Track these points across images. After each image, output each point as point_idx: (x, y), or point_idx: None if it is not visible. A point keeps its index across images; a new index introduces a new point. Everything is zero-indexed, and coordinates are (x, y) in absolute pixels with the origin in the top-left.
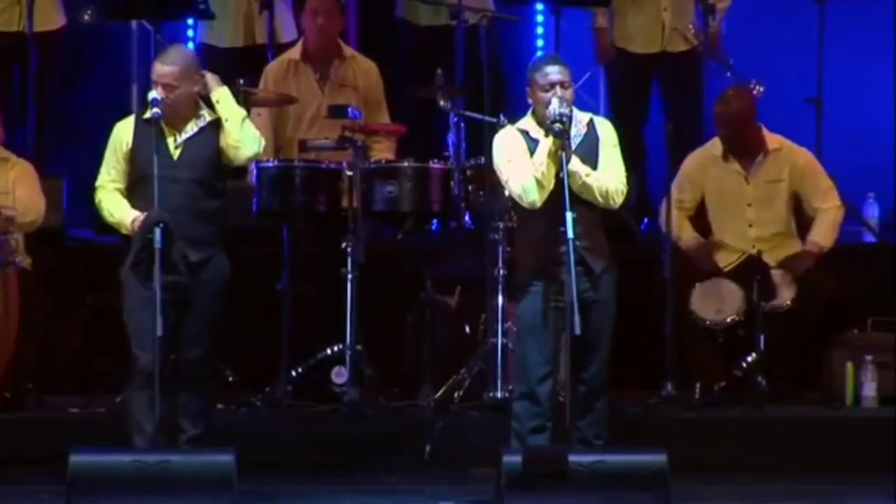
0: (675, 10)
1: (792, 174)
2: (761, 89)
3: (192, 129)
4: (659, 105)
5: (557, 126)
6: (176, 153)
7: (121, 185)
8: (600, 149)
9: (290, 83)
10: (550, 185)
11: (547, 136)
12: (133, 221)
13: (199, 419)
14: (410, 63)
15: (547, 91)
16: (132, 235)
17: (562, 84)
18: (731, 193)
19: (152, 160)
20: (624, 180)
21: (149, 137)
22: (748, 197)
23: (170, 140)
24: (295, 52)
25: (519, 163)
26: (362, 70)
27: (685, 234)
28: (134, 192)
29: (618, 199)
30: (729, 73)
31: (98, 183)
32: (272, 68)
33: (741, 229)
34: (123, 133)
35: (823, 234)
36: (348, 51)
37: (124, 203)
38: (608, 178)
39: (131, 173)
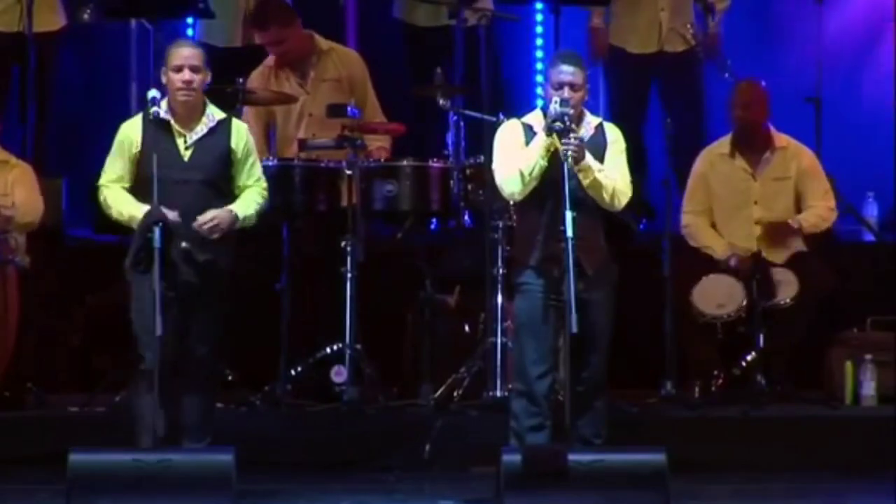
0: (672, 10)
1: (797, 172)
2: None
3: (201, 129)
4: (658, 105)
5: (558, 125)
6: (186, 154)
7: (126, 185)
8: (608, 152)
9: (272, 87)
10: (534, 180)
11: (549, 135)
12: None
13: (203, 423)
14: (410, 63)
15: (556, 90)
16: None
17: (571, 85)
18: (737, 191)
19: (171, 161)
20: (629, 184)
21: (158, 138)
22: (754, 194)
23: (179, 141)
24: (270, 59)
25: (510, 154)
26: (343, 61)
27: (718, 247)
28: (141, 192)
29: (622, 201)
30: (727, 74)
31: (101, 182)
32: (255, 77)
33: (746, 227)
34: (132, 133)
35: (807, 216)
36: (325, 44)
37: (132, 199)
38: (616, 179)
39: (139, 174)
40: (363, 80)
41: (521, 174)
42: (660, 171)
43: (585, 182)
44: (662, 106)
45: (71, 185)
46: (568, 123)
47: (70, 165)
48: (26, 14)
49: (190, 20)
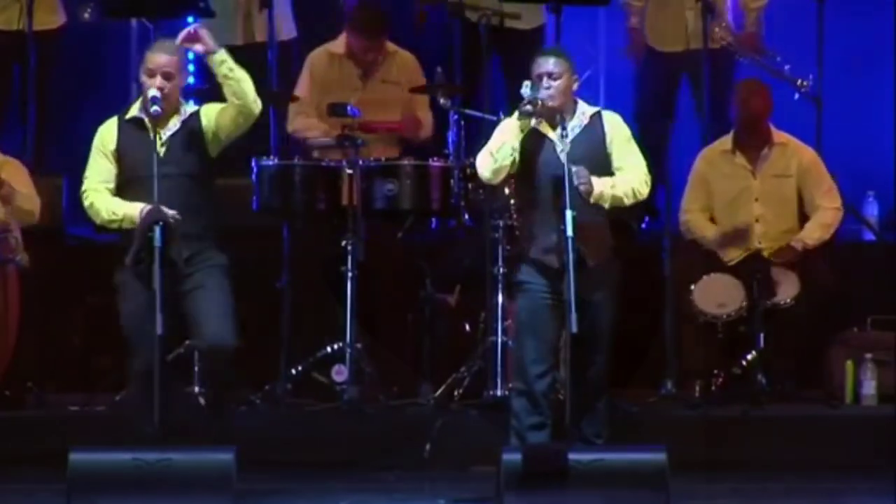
0: (701, 9)
1: (798, 170)
2: (807, 84)
3: (174, 124)
4: (688, 104)
5: (528, 108)
6: (162, 150)
7: (111, 186)
8: (613, 146)
9: (333, 74)
10: (504, 161)
11: (521, 118)
12: (142, 211)
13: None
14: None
15: (537, 82)
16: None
17: (549, 75)
18: (738, 188)
19: (151, 158)
20: (646, 170)
21: (135, 138)
22: (755, 192)
23: (155, 138)
24: (339, 47)
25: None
26: (403, 64)
27: (709, 234)
28: (123, 193)
29: (644, 191)
30: (768, 71)
31: (85, 186)
32: (316, 57)
33: (747, 225)
34: (107, 135)
35: (811, 231)
36: (390, 46)
37: (120, 199)
38: (630, 176)
39: (119, 175)
40: (419, 84)
41: (491, 155)
42: (663, 172)
43: (606, 206)
44: (693, 102)
45: (71, 184)
46: (538, 105)
47: (70, 164)
48: (26, 12)
49: (190, 19)
